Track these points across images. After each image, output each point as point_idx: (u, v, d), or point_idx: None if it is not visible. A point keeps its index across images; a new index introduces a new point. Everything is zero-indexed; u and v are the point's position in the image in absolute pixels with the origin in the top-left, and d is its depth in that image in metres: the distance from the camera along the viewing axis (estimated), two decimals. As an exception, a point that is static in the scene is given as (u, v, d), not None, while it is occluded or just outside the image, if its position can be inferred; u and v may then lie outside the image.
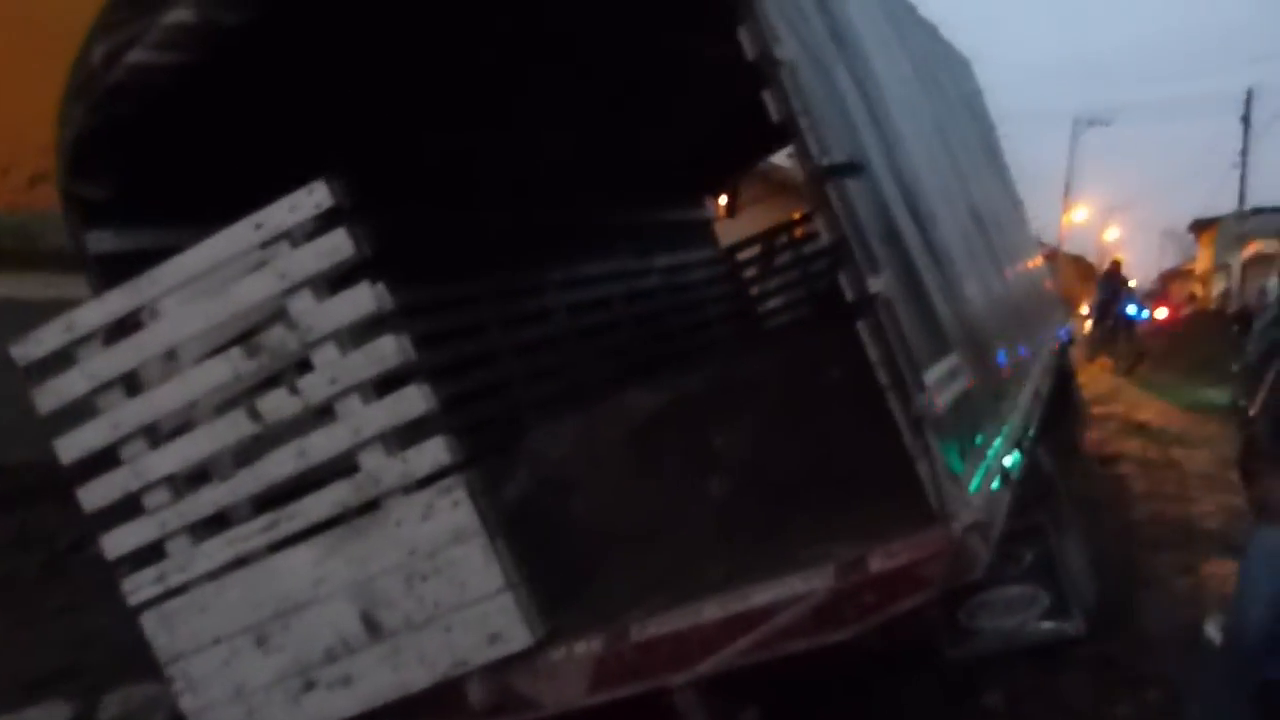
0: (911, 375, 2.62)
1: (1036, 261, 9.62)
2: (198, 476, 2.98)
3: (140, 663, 3.20)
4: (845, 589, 2.58)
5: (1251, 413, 3.35)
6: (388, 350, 2.79)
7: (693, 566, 3.04)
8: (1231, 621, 2.75)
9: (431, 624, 2.81)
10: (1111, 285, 18.07)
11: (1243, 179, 29.17)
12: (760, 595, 2.64)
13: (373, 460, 2.83)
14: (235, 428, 2.90)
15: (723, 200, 8.69)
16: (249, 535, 2.92)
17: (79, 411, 3.00)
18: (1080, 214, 39.65)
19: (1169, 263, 41.55)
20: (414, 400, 2.79)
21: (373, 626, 2.85)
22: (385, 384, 2.83)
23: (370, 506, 2.85)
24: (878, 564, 2.57)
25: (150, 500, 2.97)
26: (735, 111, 3.95)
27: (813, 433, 3.78)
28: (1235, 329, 12.84)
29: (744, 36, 2.64)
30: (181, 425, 2.99)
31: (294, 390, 2.86)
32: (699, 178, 7.87)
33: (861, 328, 2.65)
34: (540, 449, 4.34)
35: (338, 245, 2.78)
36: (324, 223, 2.80)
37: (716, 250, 8.24)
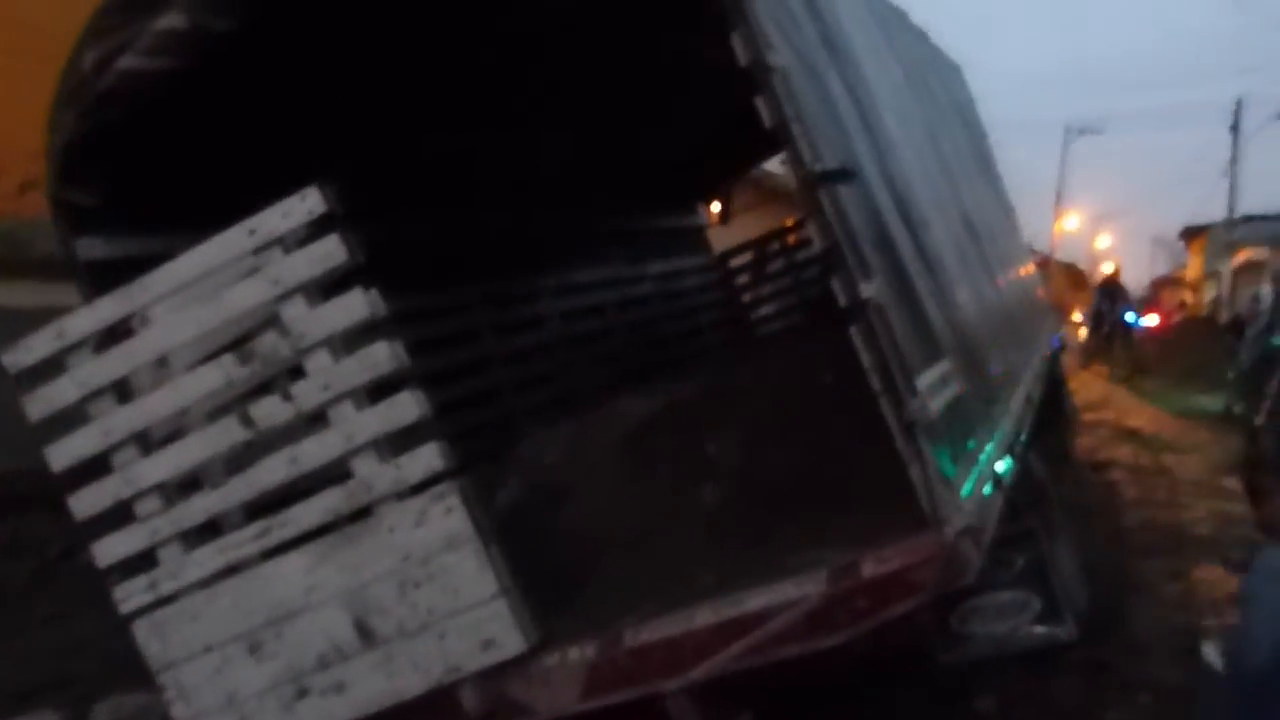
0: (904, 381, 2.63)
1: (1028, 269, 9.65)
2: (189, 484, 2.96)
3: (131, 671, 3.18)
4: (838, 594, 2.57)
5: (1256, 422, 3.29)
6: (381, 356, 2.79)
7: (686, 572, 3.03)
8: (1238, 647, 2.63)
9: (425, 631, 2.80)
10: (1109, 293, 18.15)
11: (1232, 187, 29.32)
12: (753, 600, 2.64)
13: (365, 467, 2.82)
14: (227, 434, 2.89)
15: (715, 207, 8.71)
16: (241, 543, 2.91)
17: (70, 419, 2.98)
18: (1072, 222, 39.81)
19: (1160, 270, 41.73)
20: (407, 406, 2.78)
21: (366, 633, 2.84)
22: (378, 390, 2.82)
23: (363, 513, 2.85)
24: (870, 569, 2.57)
25: (141, 508, 2.95)
26: (727, 118, 3.97)
27: (805, 439, 3.78)
28: (1230, 337, 12.92)
29: (737, 43, 2.64)
30: (173, 432, 2.98)
31: (287, 397, 2.85)
32: (692, 184, 7.90)
33: (854, 333, 2.66)
34: (533, 455, 4.34)
35: (330, 251, 2.77)
36: (316, 229, 2.79)
37: (709, 257, 8.26)
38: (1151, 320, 23.97)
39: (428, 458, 2.79)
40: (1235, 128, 29.58)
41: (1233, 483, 7.27)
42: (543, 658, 2.78)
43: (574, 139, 5.53)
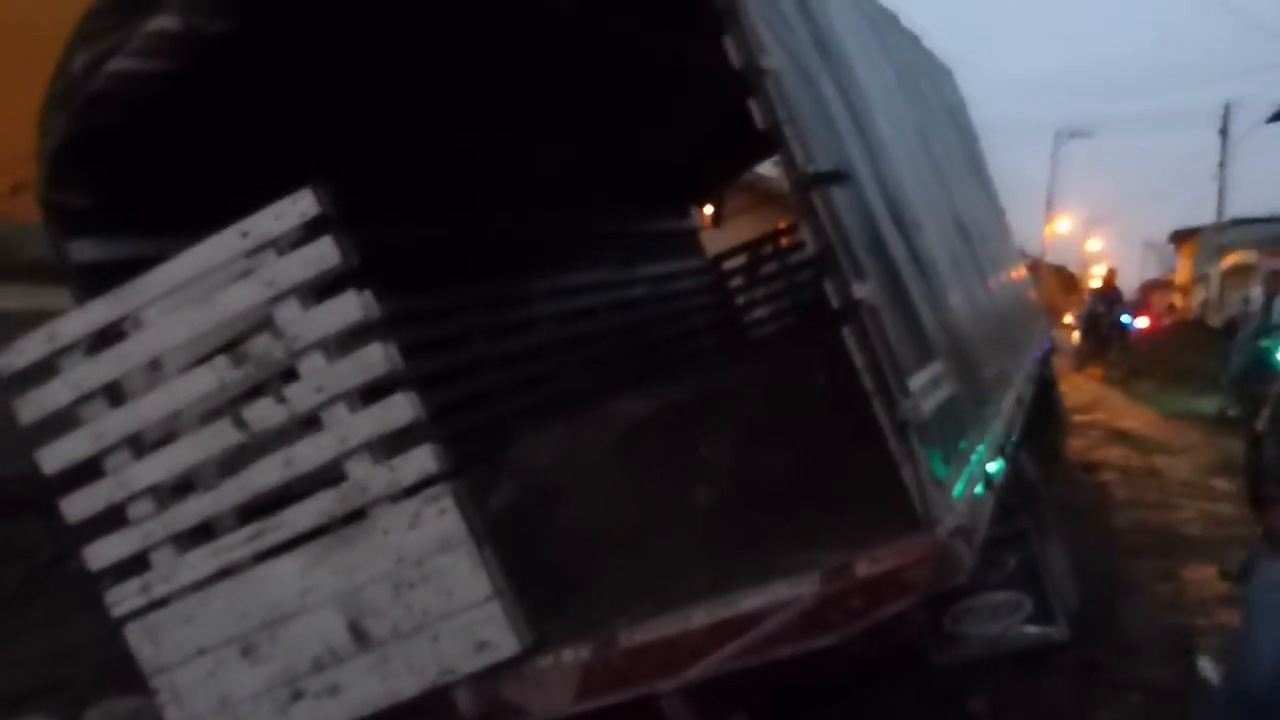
0: (896, 381, 2.63)
1: (1020, 272, 9.69)
2: (182, 487, 2.96)
3: (123, 676, 3.17)
4: (831, 594, 2.58)
5: (1257, 429, 3.25)
6: (374, 358, 2.78)
7: (679, 574, 3.04)
8: (1241, 662, 2.55)
9: (419, 632, 2.80)
10: (1105, 296, 18.20)
11: (1221, 191, 29.50)
12: (747, 601, 2.65)
13: (359, 469, 2.82)
14: (221, 437, 2.88)
15: (708, 210, 8.73)
16: (234, 545, 2.90)
17: (62, 422, 2.97)
18: (1063, 225, 40.03)
19: (1150, 273, 41.97)
20: (401, 408, 2.78)
21: (360, 635, 2.83)
22: (372, 392, 2.82)
23: (357, 515, 2.84)
24: (863, 569, 2.57)
25: (134, 511, 2.94)
26: (720, 121, 3.97)
27: (798, 441, 3.79)
28: (1224, 339, 12.97)
29: (730, 45, 2.65)
30: (166, 435, 2.97)
31: (280, 399, 2.84)
32: (685, 188, 7.91)
33: (847, 334, 2.67)
34: (527, 457, 4.34)
35: (324, 253, 2.77)
36: (310, 231, 2.79)
37: (702, 260, 8.27)
38: (1142, 323, 24.09)
39: (421, 460, 2.79)
40: (1224, 132, 29.78)
41: (1223, 484, 7.34)
42: (537, 659, 2.78)
43: (567, 142, 5.54)
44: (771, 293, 8.41)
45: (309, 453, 2.84)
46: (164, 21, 2.96)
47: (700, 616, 2.68)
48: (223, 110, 3.45)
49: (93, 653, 4.27)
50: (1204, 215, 30.49)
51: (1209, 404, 11.39)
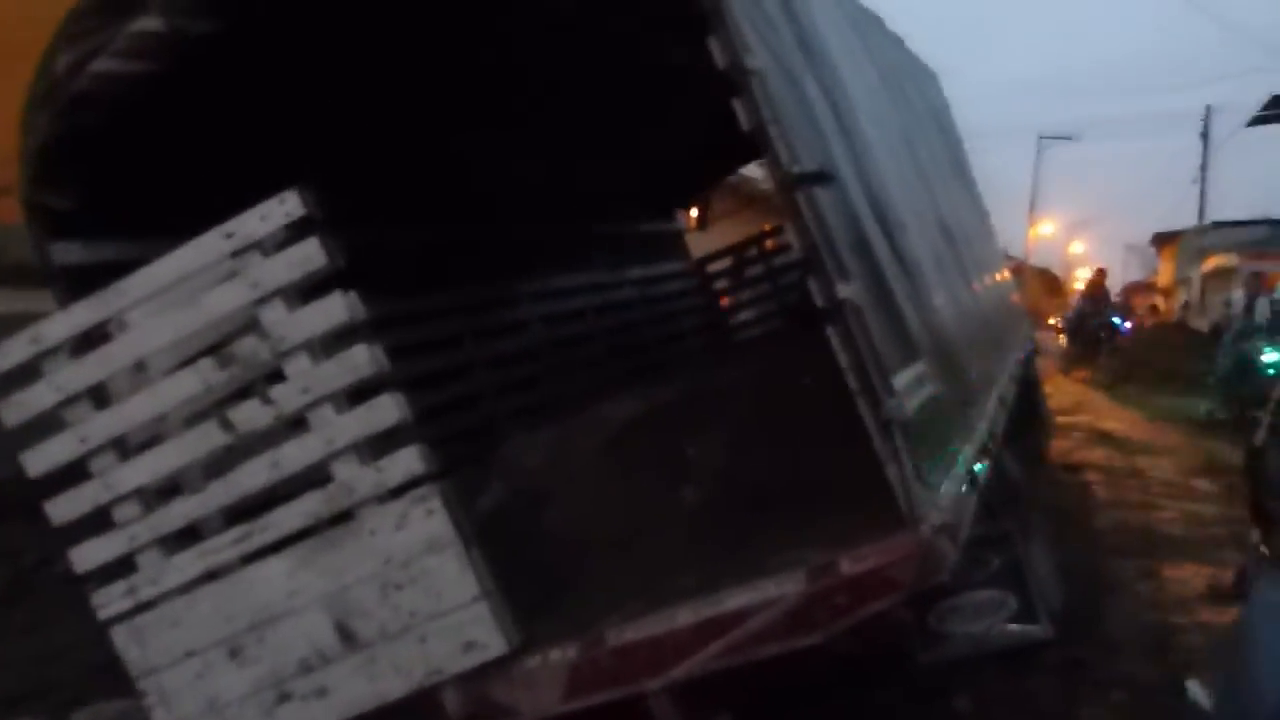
0: (881, 380, 2.66)
1: (1003, 274, 9.75)
2: (169, 489, 2.94)
3: (110, 679, 3.16)
4: (817, 592, 2.60)
5: (1256, 443, 3.22)
6: (360, 360, 2.78)
7: (667, 573, 3.05)
8: (1239, 694, 2.43)
9: (407, 633, 2.79)
10: (1094, 298, 18.19)
11: (1202, 194, 29.79)
12: (733, 600, 2.66)
13: (346, 470, 2.82)
14: (207, 439, 2.88)
15: (694, 213, 8.75)
16: (221, 547, 2.89)
17: (46, 425, 2.96)
18: (1046, 228, 40.29)
19: (1132, 276, 42.19)
20: (387, 409, 2.78)
21: (348, 637, 2.83)
22: (358, 394, 2.82)
23: (344, 517, 2.84)
24: (848, 567, 2.59)
25: (120, 514, 2.93)
26: (705, 123, 3.99)
27: (784, 442, 3.81)
28: (1212, 341, 13.07)
29: (715, 46, 2.67)
30: (152, 437, 2.96)
31: (266, 400, 2.84)
32: (671, 190, 7.93)
33: (831, 334, 2.69)
34: (515, 459, 4.35)
35: (309, 255, 2.77)
36: (295, 232, 2.78)
37: (688, 263, 8.29)
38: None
39: (408, 461, 2.78)
40: (1205, 135, 30.05)
41: (1205, 485, 7.41)
42: (525, 659, 2.78)
43: (554, 145, 5.55)
44: (757, 295, 8.44)
45: (295, 454, 2.83)
46: (148, 22, 2.95)
47: (686, 615, 2.69)
48: (207, 111, 3.44)
49: (79, 656, 4.26)
50: (1186, 218, 30.79)
51: (1193, 406, 11.48)
